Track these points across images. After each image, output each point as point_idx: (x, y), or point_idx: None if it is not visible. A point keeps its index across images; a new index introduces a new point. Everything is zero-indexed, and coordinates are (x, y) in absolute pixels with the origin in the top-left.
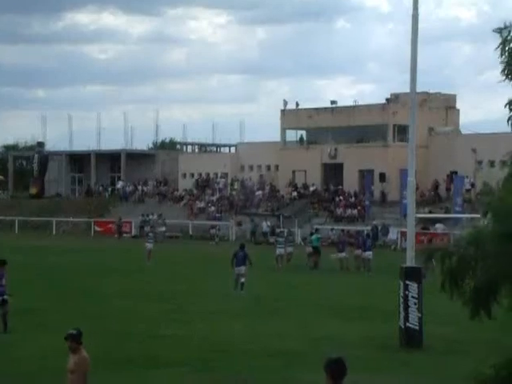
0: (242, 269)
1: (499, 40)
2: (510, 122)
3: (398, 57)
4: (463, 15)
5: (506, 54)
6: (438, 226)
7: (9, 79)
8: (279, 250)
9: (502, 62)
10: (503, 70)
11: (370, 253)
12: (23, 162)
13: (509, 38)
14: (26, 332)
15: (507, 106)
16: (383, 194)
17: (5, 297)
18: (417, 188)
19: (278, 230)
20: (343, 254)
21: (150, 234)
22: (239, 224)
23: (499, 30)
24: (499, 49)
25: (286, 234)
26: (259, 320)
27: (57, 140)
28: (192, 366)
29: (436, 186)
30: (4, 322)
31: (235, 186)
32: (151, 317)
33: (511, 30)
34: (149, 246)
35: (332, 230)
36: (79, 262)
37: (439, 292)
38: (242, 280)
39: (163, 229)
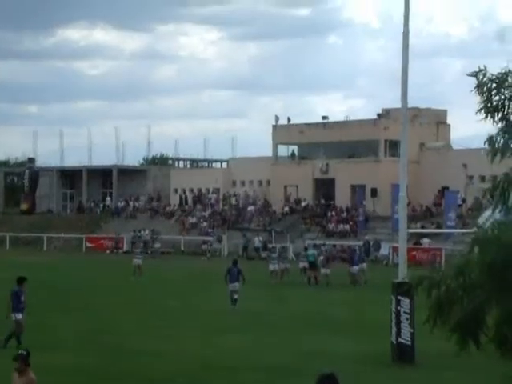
0: (236, 285)
1: (475, 83)
2: (488, 156)
3: (388, 72)
4: (454, 31)
5: (483, 95)
6: (424, 240)
7: (0, 95)
8: (272, 266)
9: (479, 103)
10: (480, 110)
11: (357, 267)
12: (14, 177)
13: (484, 80)
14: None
15: (487, 143)
16: (367, 214)
17: (15, 315)
18: (408, 203)
19: (270, 246)
20: (327, 270)
21: (137, 250)
22: (219, 240)
23: (474, 74)
24: (475, 91)
25: (278, 251)
26: (252, 335)
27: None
28: (182, 383)
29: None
30: (17, 339)
31: (232, 201)
32: (143, 332)
33: (486, 72)
34: (137, 261)
35: (323, 245)
36: (70, 278)
37: (423, 324)
38: (236, 296)
39: (158, 245)
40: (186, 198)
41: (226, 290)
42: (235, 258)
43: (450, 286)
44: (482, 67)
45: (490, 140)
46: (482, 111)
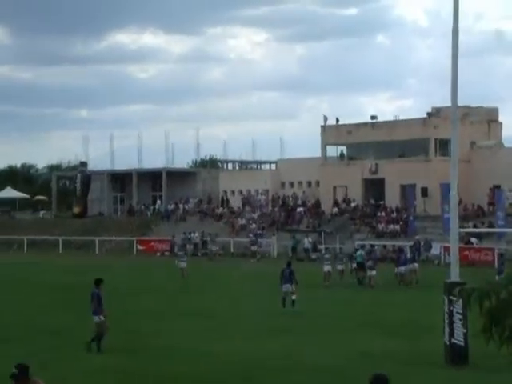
0: (289, 287)
1: None
2: None
3: (438, 71)
4: (505, 27)
5: None
6: (472, 240)
7: (53, 100)
8: (326, 267)
9: None
10: None
11: (403, 268)
12: (66, 181)
13: None
14: (67, 351)
15: None
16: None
17: (99, 317)
18: (459, 202)
19: (322, 247)
20: (372, 272)
21: (181, 253)
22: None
23: None
24: None
25: (334, 252)
26: (302, 337)
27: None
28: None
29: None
30: (98, 343)
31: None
32: (193, 333)
33: None
34: (182, 264)
35: (373, 246)
36: (122, 281)
37: (480, 334)
38: (293, 297)
39: (216, 247)
40: (226, 199)
41: (277, 291)
42: (289, 259)
43: (501, 296)
44: None
45: None
46: None
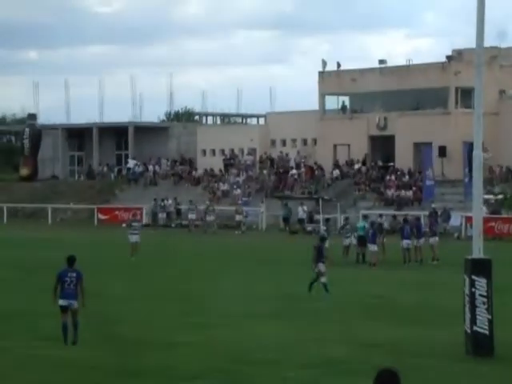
0: (322, 266)
1: None
2: None
3: (461, 5)
4: None
5: None
6: (453, 215)
7: None
8: (348, 240)
9: None
10: None
11: (408, 241)
12: (12, 137)
13: None
14: (15, 339)
15: None
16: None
17: (73, 302)
18: (487, 163)
19: (321, 217)
20: (374, 247)
21: (135, 224)
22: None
23: None
24: None
25: (344, 223)
26: (294, 324)
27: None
28: (214, 380)
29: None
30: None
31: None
32: (167, 320)
33: None
34: (133, 238)
35: (381, 216)
36: (80, 257)
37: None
38: (323, 280)
39: (212, 218)
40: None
41: (266, 269)
42: (323, 233)
43: None
44: None
45: None
46: None
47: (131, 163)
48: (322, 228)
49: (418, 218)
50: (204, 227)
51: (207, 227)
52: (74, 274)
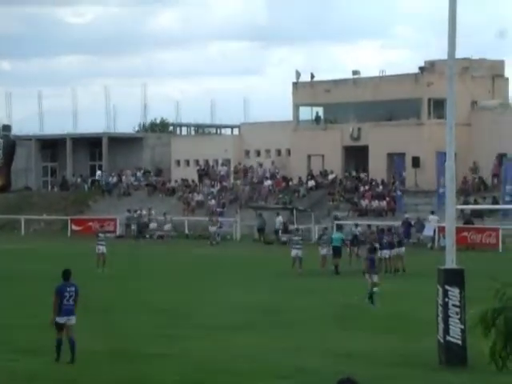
0: (375, 277)
1: None
2: None
3: (434, 17)
4: None
5: None
6: (431, 217)
7: None
8: (295, 251)
9: None
10: None
11: (386, 252)
12: None
13: None
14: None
15: None
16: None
17: (71, 318)
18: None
19: (295, 227)
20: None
21: (101, 235)
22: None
23: None
24: None
25: (321, 233)
26: (268, 334)
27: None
28: None
29: (474, 169)
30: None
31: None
32: (141, 332)
33: None
34: (100, 249)
35: (356, 225)
36: (53, 269)
37: (488, 363)
38: (375, 289)
39: (214, 228)
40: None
41: (240, 280)
42: (372, 244)
43: None
44: None
45: None
46: None
47: (99, 174)
48: (295, 239)
49: (389, 229)
50: (210, 239)
51: (212, 238)
52: (73, 289)
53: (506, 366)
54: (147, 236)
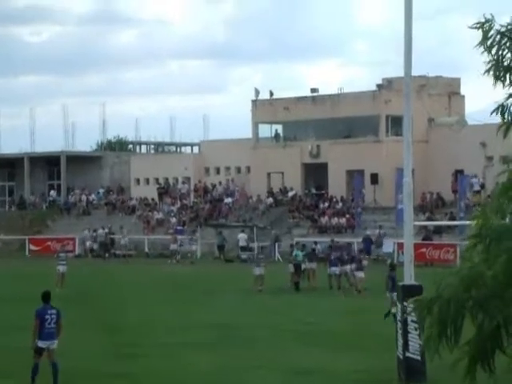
0: (395, 295)
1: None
2: (500, 129)
3: (391, 35)
4: None
5: (491, 52)
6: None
7: None
8: (258, 269)
9: (485, 62)
10: (488, 71)
11: (336, 268)
12: None
13: (491, 33)
14: None
15: (495, 113)
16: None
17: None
18: (416, 191)
19: (256, 245)
20: (361, 274)
21: (62, 255)
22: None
23: (479, 26)
24: (480, 47)
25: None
26: (229, 352)
27: None
28: None
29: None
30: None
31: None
32: (99, 352)
33: (493, 23)
34: (61, 268)
35: (315, 243)
36: (12, 290)
37: (423, 349)
38: (393, 310)
39: (194, 247)
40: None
41: (200, 298)
42: (391, 261)
43: (459, 299)
44: (489, 16)
45: (501, 109)
46: (491, 72)
47: (52, 193)
48: (260, 257)
49: (340, 246)
50: (189, 257)
51: (191, 257)
52: (54, 311)
53: (439, 352)
54: (117, 253)
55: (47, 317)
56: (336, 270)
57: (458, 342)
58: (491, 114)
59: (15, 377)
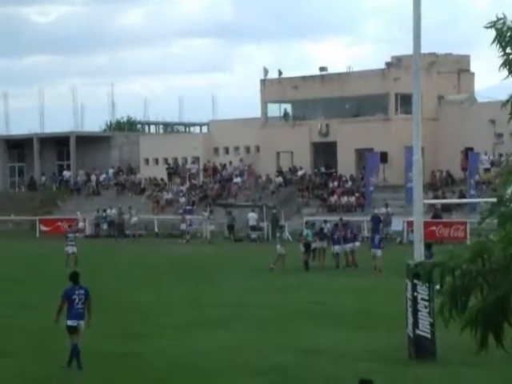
0: None
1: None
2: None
3: (400, 13)
4: None
5: (505, 49)
6: (382, 210)
7: None
8: (281, 248)
9: (499, 57)
10: (503, 65)
11: (339, 247)
12: None
13: (504, 30)
14: None
15: (506, 105)
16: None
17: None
18: (425, 169)
19: (265, 224)
20: (379, 252)
21: (70, 236)
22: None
23: (492, 24)
24: (495, 44)
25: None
26: (240, 332)
27: None
28: None
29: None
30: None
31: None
32: (109, 331)
33: (506, 21)
34: (70, 249)
35: (325, 222)
36: (23, 270)
37: (437, 317)
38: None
39: (213, 227)
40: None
41: (209, 278)
42: (428, 241)
43: (465, 271)
44: (501, 15)
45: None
46: (506, 68)
47: (67, 174)
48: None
49: (344, 224)
50: (207, 238)
51: (210, 237)
52: (83, 292)
53: (453, 318)
54: (127, 233)
55: (75, 297)
56: (339, 248)
57: (467, 313)
58: (502, 107)
59: (26, 357)
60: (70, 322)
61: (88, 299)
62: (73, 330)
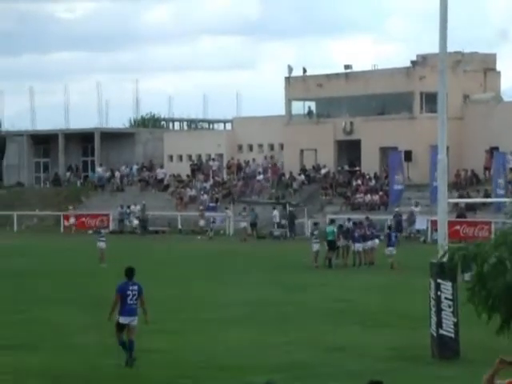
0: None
1: None
2: None
3: (425, 10)
4: None
5: None
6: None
7: None
8: (316, 246)
9: None
10: None
11: (360, 245)
12: None
13: None
14: None
15: None
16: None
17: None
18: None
19: (314, 222)
20: (393, 250)
21: (102, 231)
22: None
23: None
24: None
25: (313, 228)
26: (260, 329)
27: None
28: None
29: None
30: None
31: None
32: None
33: None
34: (101, 245)
35: (349, 220)
36: (46, 265)
37: (466, 303)
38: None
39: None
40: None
41: (255, 277)
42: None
43: (490, 258)
44: None
45: None
46: None
47: (99, 170)
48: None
49: (361, 222)
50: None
51: (242, 234)
52: (136, 288)
53: (481, 303)
54: (150, 229)
55: (128, 292)
56: (359, 246)
57: (489, 302)
58: None
59: (50, 352)
60: (122, 320)
61: (141, 295)
62: (122, 328)
